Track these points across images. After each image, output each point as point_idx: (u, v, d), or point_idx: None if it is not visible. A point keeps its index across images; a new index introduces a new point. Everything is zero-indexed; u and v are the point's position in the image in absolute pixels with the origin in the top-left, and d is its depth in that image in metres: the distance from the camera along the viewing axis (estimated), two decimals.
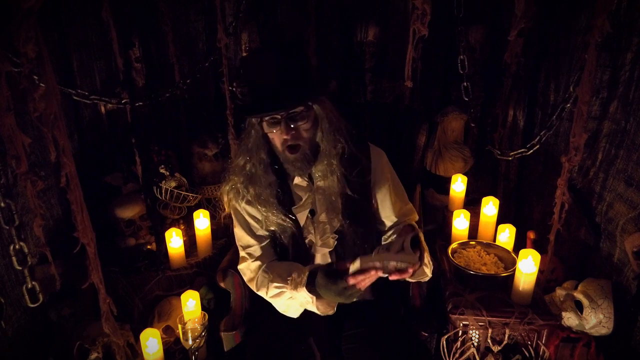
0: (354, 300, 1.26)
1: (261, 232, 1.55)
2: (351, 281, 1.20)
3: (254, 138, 1.46)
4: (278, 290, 1.43)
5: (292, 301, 1.42)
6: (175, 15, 2.57)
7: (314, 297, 1.33)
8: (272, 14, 2.75)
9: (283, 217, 1.48)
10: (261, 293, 1.51)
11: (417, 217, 1.65)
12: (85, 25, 2.35)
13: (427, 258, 1.39)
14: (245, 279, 1.58)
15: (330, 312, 1.38)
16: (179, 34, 2.60)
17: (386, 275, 1.20)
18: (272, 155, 1.48)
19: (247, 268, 1.55)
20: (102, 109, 2.49)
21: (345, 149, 1.46)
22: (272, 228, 1.51)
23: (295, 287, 1.35)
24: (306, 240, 1.52)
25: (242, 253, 1.57)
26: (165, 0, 2.45)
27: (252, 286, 1.55)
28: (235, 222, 1.58)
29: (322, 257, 1.53)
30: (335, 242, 1.50)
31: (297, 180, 1.50)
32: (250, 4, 2.53)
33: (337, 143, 1.45)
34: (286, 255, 1.55)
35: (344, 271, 1.22)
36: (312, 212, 1.50)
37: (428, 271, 1.45)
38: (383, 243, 1.58)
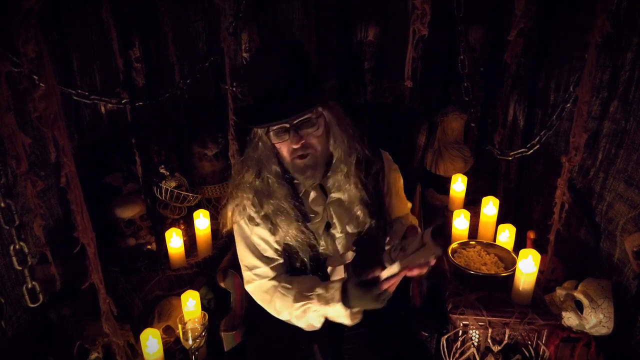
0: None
1: (270, 252, 1.46)
2: (385, 286, 1.22)
3: (262, 150, 1.37)
4: (304, 308, 1.37)
5: (316, 315, 1.37)
6: (175, 15, 2.57)
7: (349, 310, 1.31)
8: (272, 14, 2.75)
9: (302, 229, 1.41)
10: (283, 316, 1.43)
11: (415, 220, 1.66)
12: (85, 25, 2.35)
13: None
14: (258, 299, 1.49)
15: (357, 321, 1.35)
16: (179, 34, 2.60)
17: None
18: (282, 165, 1.40)
19: (259, 289, 1.46)
20: (102, 109, 2.49)
21: (360, 155, 1.42)
22: (289, 242, 1.43)
23: (327, 303, 1.32)
24: (321, 254, 1.46)
25: (246, 273, 1.48)
26: (165, 0, 2.45)
27: (271, 310, 1.45)
28: (238, 240, 1.48)
29: (335, 270, 1.49)
30: (354, 255, 1.47)
31: (312, 195, 1.43)
32: (250, 4, 2.53)
33: (352, 150, 1.39)
34: (301, 270, 1.48)
35: (375, 279, 1.23)
36: (327, 226, 1.45)
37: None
38: (391, 245, 1.55)
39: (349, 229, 1.44)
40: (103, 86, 2.48)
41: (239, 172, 1.45)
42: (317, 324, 1.40)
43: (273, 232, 1.43)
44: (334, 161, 1.40)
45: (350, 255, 1.47)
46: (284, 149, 1.33)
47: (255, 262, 1.46)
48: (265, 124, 1.28)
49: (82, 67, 2.35)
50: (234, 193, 1.45)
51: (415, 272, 1.21)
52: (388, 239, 1.57)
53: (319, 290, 1.34)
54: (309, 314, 1.37)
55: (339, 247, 1.46)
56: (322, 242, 1.44)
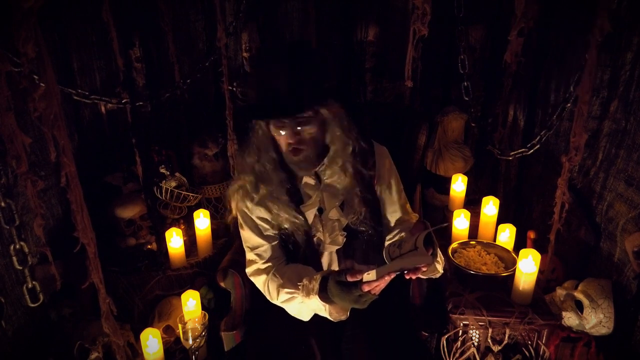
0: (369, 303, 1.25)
1: (270, 232, 1.53)
2: (366, 288, 1.20)
3: (261, 137, 1.46)
4: (289, 296, 1.42)
5: (303, 306, 1.41)
6: (175, 15, 2.57)
7: (327, 305, 1.33)
8: (272, 14, 2.75)
9: (295, 214, 1.48)
10: (272, 298, 1.49)
11: (417, 216, 1.65)
12: (85, 25, 2.35)
13: (439, 255, 1.36)
14: (257, 282, 1.54)
15: (344, 318, 1.38)
16: (179, 34, 2.60)
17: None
18: (280, 153, 1.47)
19: (257, 270, 1.53)
20: (102, 109, 2.49)
21: (355, 146, 1.47)
22: (285, 226, 1.50)
23: (307, 294, 1.34)
24: (315, 238, 1.52)
25: (249, 255, 1.55)
26: (165, 0, 2.45)
27: (266, 294, 1.51)
28: (242, 224, 1.56)
29: (329, 254, 1.53)
30: (344, 240, 1.50)
31: (306, 179, 1.50)
32: (250, 3, 2.53)
33: (348, 143, 1.45)
34: (296, 253, 1.53)
35: (356, 281, 1.22)
36: (320, 210, 1.51)
37: (440, 267, 1.43)
38: (392, 240, 1.56)
39: (341, 215, 1.49)
40: (103, 86, 2.47)
41: (241, 154, 1.53)
42: (304, 314, 1.44)
43: (270, 216, 1.52)
44: (330, 154, 1.45)
45: (341, 239, 1.50)
46: (282, 142, 1.42)
47: (257, 240, 1.53)
48: (266, 118, 1.38)
49: (82, 67, 2.35)
50: (237, 175, 1.55)
51: (408, 275, 1.20)
52: (393, 231, 1.57)
53: (305, 281, 1.37)
54: (293, 303, 1.43)
55: (331, 231, 1.50)
56: (315, 227, 1.50)
